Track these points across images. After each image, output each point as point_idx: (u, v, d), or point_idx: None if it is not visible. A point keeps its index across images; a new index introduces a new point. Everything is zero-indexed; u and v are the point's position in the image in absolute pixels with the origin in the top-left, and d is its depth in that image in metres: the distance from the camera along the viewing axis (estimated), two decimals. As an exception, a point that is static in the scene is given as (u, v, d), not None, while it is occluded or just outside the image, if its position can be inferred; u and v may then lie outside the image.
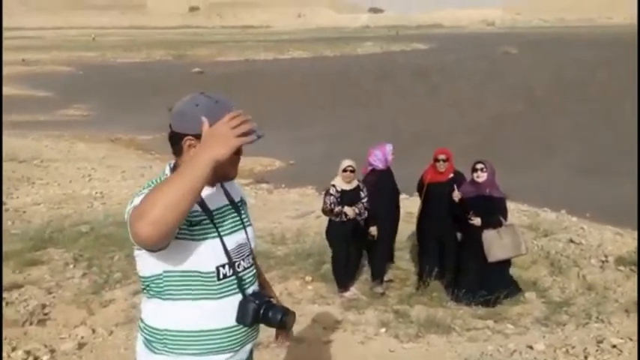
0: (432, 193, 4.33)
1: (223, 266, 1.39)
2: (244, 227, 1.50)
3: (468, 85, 22.70)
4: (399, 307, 4.11)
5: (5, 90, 19.06)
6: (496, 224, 3.99)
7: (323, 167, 6.79)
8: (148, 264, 1.37)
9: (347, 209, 4.13)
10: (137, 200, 1.28)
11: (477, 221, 3.99)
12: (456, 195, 4.09)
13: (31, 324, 3.38)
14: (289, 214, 6.74)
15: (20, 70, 29.99)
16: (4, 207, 6.14)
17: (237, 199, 1.52)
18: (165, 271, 1.36)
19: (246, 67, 32.74)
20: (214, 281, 1.37)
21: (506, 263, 4.15)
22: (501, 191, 4.10)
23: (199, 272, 1.36)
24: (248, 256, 1.49)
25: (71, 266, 4.31)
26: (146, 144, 12.28)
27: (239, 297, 1.42)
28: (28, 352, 3.09)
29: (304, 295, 4.28)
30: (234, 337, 1.42)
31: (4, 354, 3.05)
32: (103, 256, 4.46)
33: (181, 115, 1.36)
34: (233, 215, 1.47)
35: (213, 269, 1.37)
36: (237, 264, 1.42)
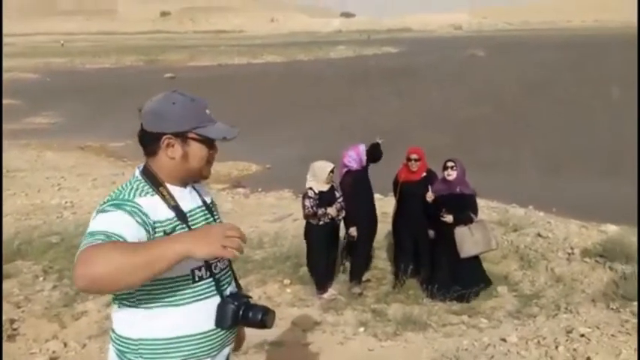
0: (405, 192, 4.41)
1: (199, 269, 1.36)
2: None
3: (438, 86, 23.16)
4: (377, 306, 4.16)
5: (-32, 99, 18.30)
6: (467, 221, 4.11)
7: (299, 170, 6.81)
8: None
9: (330, 209, 4.17)
10: (98, 223, 1.22)
11: (448, 218, 4.10)
12: (429, 196, 4.18)
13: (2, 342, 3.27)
14: (266, 217, 6.73)
15: (-17, 77, 28.83)
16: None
17: (208, 201, 1.50)
18: None
19: (220, 72, 32.47)
20: (189, 284, 1.34)
21: (478, 258, 4.27)
22: (471, 188, 4.22)
23: (173, 277, 1.32)
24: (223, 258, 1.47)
25: (41, 279, 4.19)
26: (118, 151, 12.02)
27: (216, 299, 1.39)
28: (-3, 369, 2.99)
29: (283, 299, 4.29)
30: (212, 342, 1.39)
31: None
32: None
33: (157, 114, 1.34)
34: (207, 216, 1.46)
35: (188, 272, 1.34)
36: (213, 265, 1.40)
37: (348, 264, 4.69)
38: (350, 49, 50.83)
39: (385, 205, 5.32)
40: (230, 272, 1.51)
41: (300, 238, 4.64)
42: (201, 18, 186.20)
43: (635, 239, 4.63)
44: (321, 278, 4.36)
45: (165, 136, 1.34)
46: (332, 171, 4.24)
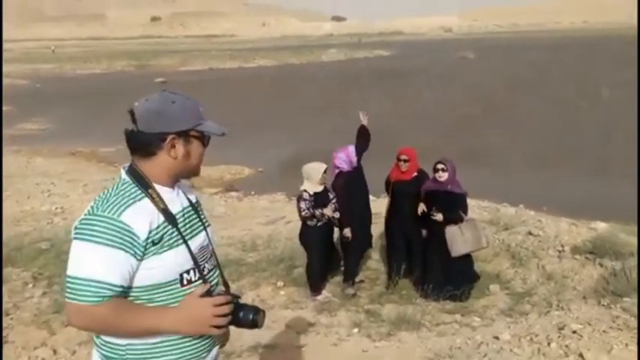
0: (397, 192, 4.43)
1: (187, 272, 1.35)
2: (204, 228, 1.46)
3: (429, 88, 23.32)
4: (371, 306, 4.17)
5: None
6: (457, 220, 4.13)
7: (292, 173, 6.82)
8: None
9: (326, 210, 4.19)
10: (84, 262, 1.23)
11: (438, 217, 4.12)
12: (421, 207, 4.17)
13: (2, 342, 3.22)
14: (260, 220, 6.73)
15: (-29, 84, 28.52)
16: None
17: (193, 200, 1.48)
18: (127, 287, 1.30)
19: (211, 76, 32.41)
20: (177, 288, 1.33)
21: (469, 256, 4.29)
22: (462, 188, 4.24)
23: (162, 283, 1.31)
24: (211, 257, 1.47)
25: (30, 285, 4.14)
26: (109, 156, 11.94)
27: None
28: (-15, 377, 2.95)
29: (277, 301, 4.29)
30: (202, 343, 1.37)
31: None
32: (64, 274, 4.27)
33: (159, 114, 1.31)
34: (194, 217, 1.44)
35: (177, 276, 1.33)
36: (202, 267, 1.39)
37: (336, 265, 4.70)
38: (341, 53, 51.01)
39: (377, 206, 5.33)
40: (217, 273, 1.49)
41: (293, 240, 4.65)
42: (192, 23, 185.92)
43: (624, 236, 4.69)
44: (316, 280, 4.37)
45: (170, 136, 1.32)
46: (325, 171, 4.25)
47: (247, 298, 4.20)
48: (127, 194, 1.30)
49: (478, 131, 13.83)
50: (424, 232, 4.36)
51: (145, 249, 1.27)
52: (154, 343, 1.32)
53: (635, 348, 2.91)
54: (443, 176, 4.16)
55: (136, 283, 1.30)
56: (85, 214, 1.28)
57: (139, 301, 1.31)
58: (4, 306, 3.77)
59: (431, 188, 4.22)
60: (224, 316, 1.32)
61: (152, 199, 1.32)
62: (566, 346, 3.08)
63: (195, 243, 1.39)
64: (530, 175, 9.70)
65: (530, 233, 5.06)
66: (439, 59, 41.04)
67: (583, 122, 14.48)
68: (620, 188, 8.45)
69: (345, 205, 4.29)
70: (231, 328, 1.43)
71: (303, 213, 4.22)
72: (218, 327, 1.33)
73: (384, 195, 4.75)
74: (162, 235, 1.30)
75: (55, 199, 7.85)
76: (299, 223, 4.40)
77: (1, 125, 11.37)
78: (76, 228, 1.28)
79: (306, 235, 4.32)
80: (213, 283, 1.43)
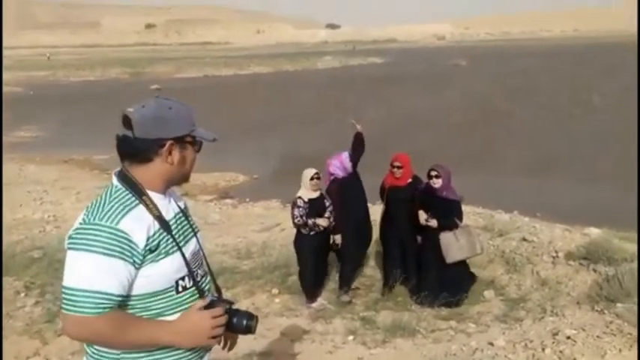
0: (391, 198, 4.44)
1: (183, 278, 1.35)
2: (195, 234, 1.46)
3: (423, 95, 23.48)
4: (366, 313, 4.17)
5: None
6: (452, 226, 4.14)
7: (287, 180, 6.82)
8: None
9: (319, 220, 4.15)
10: (82, 272, 1.21)
11: (433, 223, 4.13)
12: (422, 216, 4.14)
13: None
14: (254, 227, 6.71)
15: (-37, 91, 28.32)
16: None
17: (182, 206, 1.47)
18: (125, 296, 1.29)
19: (206, 83, 32.44)
20: (172, 295, 1.33)
21: (464, 262, 4.30)
22: (457, 194, 4.26)
23: (158, 291, 1.31)
24: (202, 263, 1.46)
25: (22, 295, 4.10)
26: (102, 163, 11.88)
27: None
28: (-23, 388, 2.90)
29: (271, 309, 4.27)
30: (193, 352, 1.37)
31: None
32: (56, 282, 4.25)
33: (158, 120, 1.31)
34: (185, 223, 1.43)
35: (173, 284, 1.33)
36: (195, 273, 1.39)
37: (331, 272, 4.68)
38: (336, 60, 51.30)
39: (372, 212, 5.34)
40: (209, 278, 1.49)
41: (288, 247, 4.63)
42: (187, 30, 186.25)
43: (617, 242, 4.72)
44: (311, 287, 4.35)
45: (168, 142, 1.32)
46: (316, 177, 4.22)
47: (242, 306, 4.14)
48: (122, 201, 1.29)
49: (472, 138, 13.93)
50: (419, 238, 4.37)
51: (144, 257, 1.27)
52: (147, 352, 1.31)
53: (627, 353, 2.92)
54: (437, 182, 4.17)
55: (133, 292, 1.29)
56: (81, 223, 1.26)
57: (134, 310, 1.30)
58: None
59: (426, 194, 4.23)
60: (221, 326, 1.34)
61: (146, 206, 1.31)
62: (561, 351, 3.09)
63: (189, 249, 1.39)
64: (524, 182, 9.78)
65: (524, 239, 5.08)
66: (432, 66, 41.39)
67: (576, 129, 14.63)
68: (613, 194, 8.54)
69: (338, 211, 4.29)
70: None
71: (295, 220, 4.21)
72: (215, 337, 1.34)
73: (380, 202, 4.76)
74: (159, 243, 1.29)
75: (48, 207, 7.79)
76: (294, 230, 4.39)
77: (1, 130, 11.28)
78: (71, 237, 1.26)
79: (300, 242, 4.31)
80: (205, 289, 1.43)
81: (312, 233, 4.21)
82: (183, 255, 1.35)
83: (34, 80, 36.79)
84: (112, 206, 1.27)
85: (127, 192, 1.31)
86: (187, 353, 1.36)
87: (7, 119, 19.51)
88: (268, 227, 6.60)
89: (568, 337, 3.35)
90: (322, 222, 4.16)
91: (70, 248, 1.25)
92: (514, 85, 26.15)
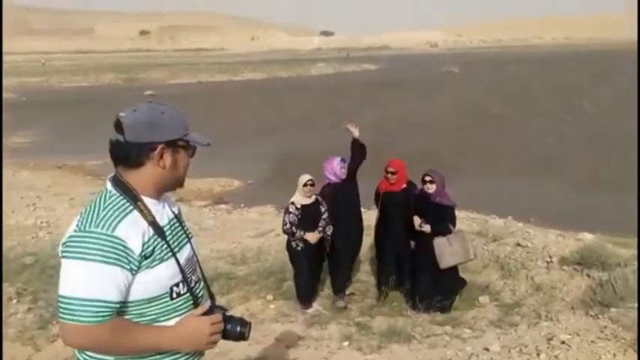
0: (386, 203, 4.44)
1: (177, 285, 1.34)
2: (189, 240, 1.46)
3: (417, 101, 23.64)
4: (361, 319, 4.15)
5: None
6: (445, 231, 4.15)
7: (281, 186, 6.82)
8: None
9: (308, 236, 4.11)
10: (80, 279, 1.19)
11: (426, 228, 4.14)
12: (417, 221, 4.15)
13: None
14: (249, 233, 6.69)
15: (-46, 97, 28.08)
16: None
17: (176, 212, 1.47)
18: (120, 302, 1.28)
19: (201, 89, 32.43)
20: (167, 301, 1.33)
21: (456, 268, 4.30)
22: (451, 200, 4.27)
23: (152, 297, 1.30)
24: (196, 269, 1.46)
25: (15, 301, 4.05)
26: (96, 169, 11.82)
27: None
28: (-33, 396, 2.86)
29: (267, 315, 4.24)
30: (189, 354, 1.37)
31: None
32: (49, 289, 4.20)
33: (150, 124, 1.30)
34: (178, 228, 1.43)
35: (167, 290, 1.32)
36: (189, 279, 1.38)
37: (326, 277, 4.67)
38: (330, 67, 51.55)
39: (367, 218, 5.35)
40: (203, 284, 1.49)
41: (283, 253, 4.61)
42: (181, 36, 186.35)
43: (610, 247, 4.75)
44: (305, 293, 4.33)
45: (160, 146, 1.31)
46: (310, 183, 4.20)
47: (237, 312, 4.12)
48: (117, 207, 1.28)
49: (465, 143, 14.02)
50: (412, 243, 4.37)
51: (140, 263, 1.26)
52: (141, 357, 1.31)
53: (622, 358, 2.94)
54: (431, 188, 4.18)
55: (128, 298, 1.28)
56: (76, 231, 1.25)
57: (129, 316, 1.29)
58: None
59: (420, 200, 4.24)
60: (220, 332, 1.37)
61: (141, 212, 1.30)
62: (555, 356, 3.10)
63: (183, 255, 1.39)
64: (517, 187, 9.84)
65: (518, 244, 5.10)
66: (425, 73, 41.71)
67: (569, 134, 14.78)
68: (606, 200, 8.61)
69: (330, 215, 4.29)
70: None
71: (284, 227, 4.17)
72: (213, 342, 1.36)
73: (374, 207, 4.76)
74: (154, 249, 1.29)
75: (41, 212, 7.73)
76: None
77: (2, 135, 11.21)
78: (66, 245, 1.24)
79: (291, 247, 4.27)
80: (199, 295, 1.43)
81: (299, 247, 4.17)
82: (177, 261, 1.34)
83: (27, 86, 36.62)
84: (107, 212, 1.26)
85: (122, 197, 1.30)
86: (182, 358, 1.36)
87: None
88: (263, 233, 6.59)
89: (563, 342, 3.36)
90: (311, 238, 4.12)
91: (65, 257, 1.24)
92: (507, 91, 26.41)
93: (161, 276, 1.30)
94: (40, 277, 4.44)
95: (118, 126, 1.30)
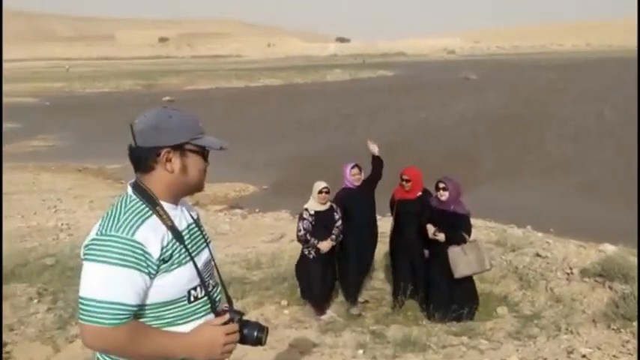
0: (401, 211, 4.41)
1: (195, 288, 1.35)
2: (207, 244, 1.47)
3: (434, 108, 23.48)
4: (376, 327, 4.11)
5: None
6: (460, 241, 4.08)
7: (296, 191, 6.84)
8: None
9: (322, 245, 4.11)
10: (99, 283, 1.22)
11: (440, 237, 4.08)
12: (431, 229, 4.11)
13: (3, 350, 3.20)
14: (264, 238, 6.70)
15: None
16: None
17: (195, 217, 1.48)
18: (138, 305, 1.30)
19: (218, 95, 32.83)
20: (185, 305, 1.34)
21: (470, 277, 4.23)
22: (466, 208, 4.20)
23: (170, 300, 1.32)
24: (213, 273, 1.47)
25: (35, 301, 4.11)
26: (115, 173, 12.03)
27: (210, 317, 1.38)
28: (-12, 394, 2.92)
29: (280, 320, 4.23)
30: None
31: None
32: (69, 290, 4.28)
33: (155, 128, 1.31)
34: (197, 233, 1.44)
35: (185, 293, 1.33)
36: (207, 283, 1.39)
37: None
38: (346, 73, 51.67)
39: (382, 225, 5.32)
40: (220, 288, 1.50)
41: (297, 258, 4.60)
42: (198, 43, 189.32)
43: (633, 259, 4.62)
44: (318, 300, 4.31)
45: (164, 150, 1.32)
46: (325, 191, 4.19)
47: (251, 317, 4.14)
48: (137, 212, 1.30)
49: (484, 150, 13.85)
50: (426, 252, 4.32)
51: (158, 267, 1.28)
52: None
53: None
54: (444, 195, 4.13)
55: (146, 301, 1.29)
56: (97, 234, 1.27)
57: (147, 319, 1.31)
58: (9, 321, 3.75)
59: (434, 208, 4.20)
60: (234, 342, 1.36)
61: (160, 217, 1.31)
62: (576, 370, 3.02)
63: (201, 260, 1.40)
64: (537, 196, 9.67)
65: (538, 255, 5.00)
66: (442, 80, 41.45)
67: (590, 143, 14.47)
68: (628, 211, 8.38)
69: (343, 222, 4.28)
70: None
71: (299, 234, 4.18)
72: (228, 352, 1.36)
73: (390, 215, 4.73)
74: (172, 253, 1.30)
75: (61, 215, 7.88)
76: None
77: (1, 139, 11.54)
78: (87, 247, 1.27)
79: (305, 254, 4.26)
80: (217, 299, 1.43)
81: (312, 256, 4.16)
82: (195, 265, 1.35)
83: (50, 91, 37.58)
84: (127, 217, 1.28)
85: (141, 202, 1.32)
86: None
87: (23, 129, 19.94)
88: (277, 238, 6.60)
89: (583, 356, 3.28)
90: (324, 246, 4.11)
91: (86, 259, 1.26)
92: (525, 97, 26.05)
93: (179, 279, 1.31)
94: (60, 278, 4.52)
95: (132, 132, 1.33)
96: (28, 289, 4.26)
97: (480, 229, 6.26)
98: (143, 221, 1.28)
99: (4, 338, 3.47)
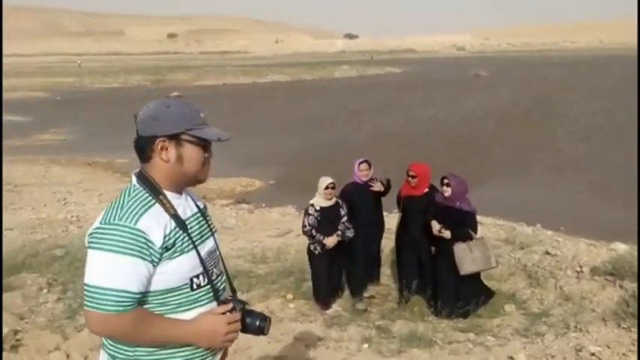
0: (407, 208, 4.38)
1: (197, 276, 1.36)
2: (212, 233, 1.48)
3: (443, 105, 23.33)
4: (381, 322, 4.11)
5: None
6: (466, 238, 4.05)
7: (303, 186, 6.83)
8: None
9: (327, 240, 4.11)
10: (102, 270, 1.23)
11: (446, 234, 4.04)
12: (436, 226, 4.08)
13: (3, 350, 3.24)
14: (270, 233, 6.72)
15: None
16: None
17: (201, 206, 1.49)
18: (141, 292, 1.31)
19: (226, 91, 32.91)
20: (188, 292, 1.35)
21: (478, 275, 4.20)
22: (471, 205, 4.16)
23: (172, 288, 1.33)
24: (218, 262, 1.48)
25: (45, 291, 4.17)
26: (124, 166, 12.12)
27: (213, 305, 1.39)
28: (-1, 380, 2.96)
29: (286, 314, 4.24)
30: (207, 351, 1.39)
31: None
32: (78, 280, 4.32)
33: (153, 119, 1.34)
34: (202, 222, 1.45)
35: (187, 281, 1.35)
36: (210, 272, 1.40)
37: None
38: (353, 69, 51.49)
39: (388, 221, 5.30)
40: (224, 277, 1.50)
41: (303, 253, 4.61)
42: (207, 39, 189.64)
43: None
44: (323, 294, 4.31)
45: (159, 139, 1.33)
46: (331, 186, 4.19)
47: (257, 310, 4.15)
48: (140, 201, 1.31)
49: (494, 147, 13.75)
50: (433, 248, 4.29)
51: (161, 255, 1.29)
52: (161, 347, 1.34)
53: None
54: (447, 191, 4.10)
55: (149, 288, 1.31)
56: (101, 223, 1.28)
57: (150, 305, 1.32)
58: (20, 310, 3.81)
59: (440, 204, 4.17)
60: (236, 331, 1.39)
61: (163, 205, 1.33)
62: (585, 368, 2.99)
63: (205, 248, 1.41)
64: (547, 194, 9.57)
65: (547, 253, 4.95)
66: (452, 77, 41.16)
67: (601, 140, 14.29)
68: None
69: (349, 218, 4.28)
70: (241, 336, 1.43)
71: (304, 229, 4.19)
72: (230, 341, 1.38)
73: (396, 211, 4.72)
74: (175, 241, 1.32)
75: (71, 207, 7.97)
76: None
77: (1, 134, 11.68)
78: (91, 236, 1.28)
79: (311, 250, 4.27)
80: (220, 288, 1.44)
81: (317, 251, 4.17)
82: (198, 253, 1.36)
83: (62, 86, 37.92)
84: (131, 206, 1.29)
85: (145, 191, 1.34)
86: (200, 351, 1.38)
87: (34, 123, 20.16)
88: (284, 233, 6.61)
89: (592, 354, 3.25)
90: (329, 242, 4.12)
91: (90, 247, 1.28)
92: (536, 94, 25.79)
93: (181, 267, 1.32)
94: (69, 268, 4.57)
95: (135, 122, 1.36)
96: (39, 279, 4.32)
97: (489, 226, 6.21)
98: (146, 210, 1.30)
99: (15, 327, 3.51)
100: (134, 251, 1.24)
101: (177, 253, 1.31)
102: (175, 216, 1.33)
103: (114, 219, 1.27)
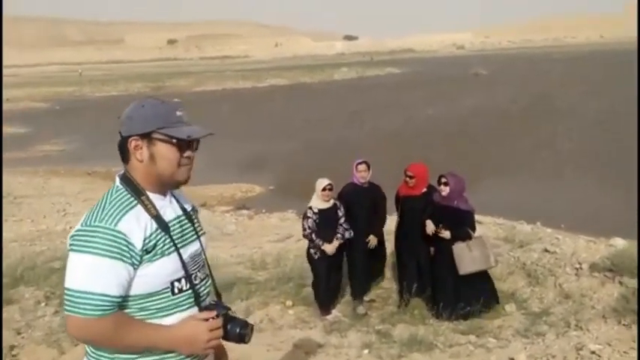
0: (405, 208, 4.37)
1: (179, 280, 1.33)
2: (198, 237, 1.44)
3: (443, 104, 23.29)
4: (382, 326, 4.08)
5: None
6: (464, 237, 4.03)
7: (302, 191, 6.81)
8: None
9: (327, 247, 4.10)
10: (82, 273, 1.22)
11: (445, 234, 4.03)
12: (430, 227, 4.08)
13: (-1, 366, 3.24)
14: (270, 238, 6.71)
15: (-6, 107, 29.49)
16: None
17: (189, 208, 1.46)
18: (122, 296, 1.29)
19: (225, 96, 32.97)
20: (168, 296, 1.32)
21: (479, 274, 4.17)
22: (469, 204, 4.14)
23: (153, 292, 1.30)
24: (203, 266, 1.45)
25: (42, 304, 4.17)
26: (124, 176, 12.15)
27: (194, 310, 1.36)
28: (-5, 396, 2.95)
29: (285, 321, 4.22)
30: (190, 356, 1.35)
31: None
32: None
33: (129, 118, 1.34)
34: (187, 225, 1.42)
35: (168, 285, 1.32)
36: (193, 276, 1.37)
37: (346, 283, 4.62)
38: (353, 71, 51.51)
39: (387, 223, 5.28)
40: (209, 283, 1.47)
41: (302, 258, 4.60)
42: (207, 45, 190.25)
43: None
44: (323, 299, 4.29)
45: (131, 138, 1.32)
46: (329, 188, 4.18)
47: (256, 318, 4.15)
48: (121, 202, 1.30)
49: (493, 145, 13.70)
50: (431, 249, 4.27)
51: (141, 257, 1.27)
52: (140, 354, 1.31)
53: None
54: (444, 190, 4.08)
55: (130, 292, 1.29)
56: (82, 225, 1.27)
57: (130, 310, 1.30)
58: (17, 324, 3.80)
59: (438, 204, 4.15)
60: (217, 338, 1.35)
61: (144, 206, 1.31)
62: (585, 368, 2.96)
63: (188, 251, 1.37)
64: (547, 191, 9.53)
65: (546, 250, 4.91)
66: (452, 76, 41.11)
67: (601, 137, 14.23)
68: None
69: (347, 220, 4.26)
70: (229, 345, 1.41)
71: (304, 233, 4.18)
72: (211, 348, 1.35)
73: (395, 212, 4.69)
74: (156, 243, 1.29)
75: (70, 218, 7.97)
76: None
77: (1, 144, 11.73)
78: (72, 238, 1.27)
79: (311, 254, 4.26)
80: (204, 292, 1.41)
81: (317, 256, 4.15)
82: (180, 256, 1.33)
83: (62, 96, 38.08)
84: (112, 207, 1.28)
85: (127, 192, 1.32)
86: (182, 358, 1.35)
87: (33, 133, 20.24)
88: (283, 238, 6.60)
89: (593, 352, 3.22)
90: (329, 248, 4.10)
91: (71, 249, 1.26)
92: (536, 92, 25.71)
93: (162, 270, 1.29)
94: (66, 281, 4.56)
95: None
96: (36, 292, 4.32)
97: (489, 225, 6.18)
98: (127, 211, 1.28)
99: (12, 342, 3.51)
100: (114, 253, 1.22)
101: (158, 256, 1.29)
102: (157, 217, 1.31)
103: (94, 221, 1.25)
